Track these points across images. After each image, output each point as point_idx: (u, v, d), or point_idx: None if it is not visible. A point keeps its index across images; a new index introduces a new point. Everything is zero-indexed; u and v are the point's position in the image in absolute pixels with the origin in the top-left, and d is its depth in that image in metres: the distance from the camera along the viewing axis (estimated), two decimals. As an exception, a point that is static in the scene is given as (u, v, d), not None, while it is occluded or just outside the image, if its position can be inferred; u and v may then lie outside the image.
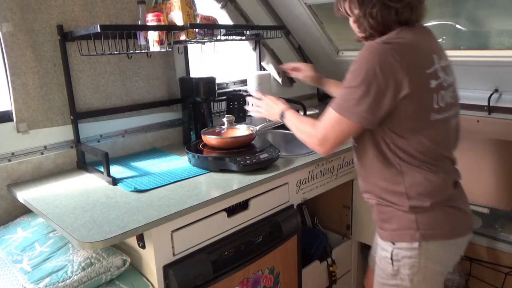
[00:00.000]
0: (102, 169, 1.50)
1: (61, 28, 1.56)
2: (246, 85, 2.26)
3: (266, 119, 1.57)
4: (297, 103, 2.39)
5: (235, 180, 1.46)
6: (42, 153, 1.60)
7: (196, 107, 1.90)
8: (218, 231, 1.37)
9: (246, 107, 1.61)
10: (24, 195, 1.41)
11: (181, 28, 1.55)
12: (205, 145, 1.69)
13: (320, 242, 1.99)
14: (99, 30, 1.35)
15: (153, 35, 1.52)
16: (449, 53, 1.21)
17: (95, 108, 1.72)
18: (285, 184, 1.61)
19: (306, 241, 1.96)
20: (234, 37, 1.93)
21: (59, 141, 1.64)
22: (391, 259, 1.18)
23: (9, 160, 1.52)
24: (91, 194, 1.39)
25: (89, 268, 1.18)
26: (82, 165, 1.66)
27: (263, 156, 1.56)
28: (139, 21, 1.58)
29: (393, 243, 1.18)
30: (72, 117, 1.63)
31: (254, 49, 2.32)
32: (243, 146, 1.64)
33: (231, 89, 2.26)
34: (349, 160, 1.91)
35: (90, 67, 1.68)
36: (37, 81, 1.54)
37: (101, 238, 1.08)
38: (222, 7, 2.12)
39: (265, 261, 1.52)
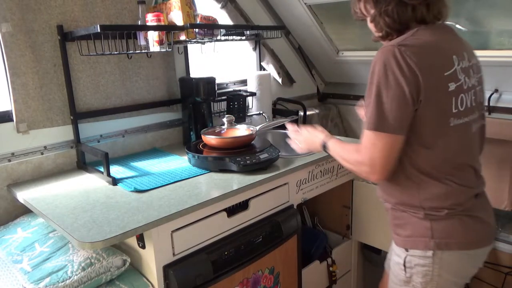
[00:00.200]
0: (102, 169, 1.50)
1: (61, 28, 1.56)
2: (246, 85, 2.26)
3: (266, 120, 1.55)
4: (297, 103, 2.40)
5: (235, 180, 1.46)
6: (42, 153, 1.60)
7: (196, 107, 1.90)
8: (218, 231, 1.37)
9: (287, 141, 1.50)
10: (24, 195, 1.41)
11: (181, 28, 1.55)
12: (205, 145, 1.69)
13: (320, 242, 1.99)
14: (99, 30, 1.35)
15: (153, 35, 1.52)
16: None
17: (95, 108, 1.72)
18: (285, 184, 1.61)
19: (306, 241, 1.95)
20: (234, 37, 1.93)
21: (59, 141, 1.64)
22: (404, 265, 1.15)
23: (9, 160, 1.52)
24: (91, 194, 1.39)
25: (89, 268, 1.18)
26: (82, 165, 1.66)
27: (263, 156, 1.56)
28: (139, 21, 1.58)
29: (407, 250, 1.14)
30: (72, 117, 1.63)
31: (254, 49, 2.32)
32: (243, 146, 1.64)
33: (231, 89, 2.26)
34: (349, 160, 1.90)
35: (90, 67, 1.68)
36: (37, 81, 1.54)
37: (101, 238, 1.08)
38: (222, 7, 2.12)
39: (265, 261, 1.52)
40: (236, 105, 2.08)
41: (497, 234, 2.02)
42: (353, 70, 2.62)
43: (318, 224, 2.15)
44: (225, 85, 2.27)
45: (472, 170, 1.13)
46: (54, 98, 1.60)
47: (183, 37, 1.58)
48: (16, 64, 1.49)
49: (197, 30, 1.59)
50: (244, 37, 2.10)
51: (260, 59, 2.34)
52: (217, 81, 1.89)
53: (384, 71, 1.02)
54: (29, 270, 1.18)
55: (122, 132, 1.82)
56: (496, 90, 1.95)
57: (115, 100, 1.78)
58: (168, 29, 1.54)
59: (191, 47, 2.03)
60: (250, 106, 2.23)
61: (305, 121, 2.39)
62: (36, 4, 1.51)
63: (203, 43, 1.78)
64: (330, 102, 2.85)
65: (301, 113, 2.36)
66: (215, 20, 1.66)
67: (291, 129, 1.46)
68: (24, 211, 1.49)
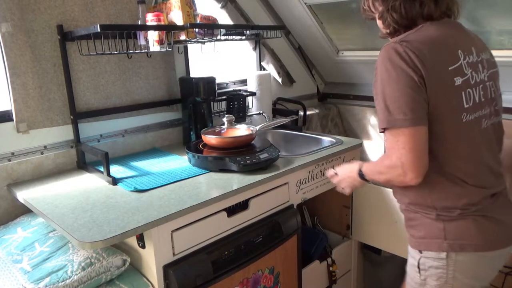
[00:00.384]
0: (102, 169, 1.50)
1: (61, 28, 1.56)
2: (246, 85, 2.26)
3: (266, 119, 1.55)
4: (297, 103, 2.40)
5: (235, 180, 1.46)
6: (42, 153, 1.60)
7: (196, 107, 1.90)
8: (218, 231, 1.37)
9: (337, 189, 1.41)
10: (24, 195, 1.41)
11: (181, 28, 1.55)
12: (205, 145, 1.69)
13: (320, 242, 1.99)
14: (99, 30, 1.35)
15: (153, 35, 1.52)
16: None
17: (95, 108, 1.72)
18: (285, 184, 1.61)
19: (306, 241, 1.96)
20: (234, 37, 1.94)
21: (59, 141, 1.64)
22: (418, 267, 1.13)
23: (9, 160, 1.52)
24: (91, 194, 1.39)
25: (89, 268, 1.18)
26: (82, 165, 1.66)
27: (263, 156, 1.56)
28: (139, 21, 1.58)
29: (420, 252, 1.12)
30: (72, 117, 1.63)
31: (254, 49, 2.32)
32: (243, 146, 1.64)
33: (231, 89, 2.26)
34: (349, 160, 1.91)
35: (90, 67, 1.68)
36: (37, 81, 1.54)
37: (101, 238, 1.08)
38: (222, 7, 2.12)
39: (265, 261, 1.52)
40: (236, 105, 2.08)
41: None
42: (353, 70, 2.62)
43: (318, 224, 2.15)
44: (225, 85, 2.27)
45: (486, 168, 1.09)
46: (54, 98, 1.60)
47: (183, 37, 1.58)
48: (16, 64, 1.49)
49: (197, 30, 1.59)
50: (244, 37, 2.10)
51: (260, 59, 2.34)
52: (217, 81, 1.89)
53: (389, 67, 1.01)
54: (29, 270, 1.18)
55: (122, 132, 1.82)
56: (496, 90, 1.94)
57: (115, 100, 1.78)
58: (168, 29, 1.54)
59: (191, 47, 2.03)
60: (250, 106, 2.24)
61: (305, 121, 2.39)
62: (36, 4, 1.51)
63: (203, 43, 1.78)
64: (330, 102, 2.85)
65: (301, 113, 2.36)
66: (215, 20, 1.66)
67: (329, 175, 1.39)
68: (24, 211, 1.49)
